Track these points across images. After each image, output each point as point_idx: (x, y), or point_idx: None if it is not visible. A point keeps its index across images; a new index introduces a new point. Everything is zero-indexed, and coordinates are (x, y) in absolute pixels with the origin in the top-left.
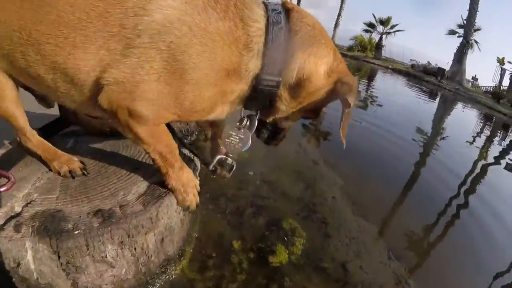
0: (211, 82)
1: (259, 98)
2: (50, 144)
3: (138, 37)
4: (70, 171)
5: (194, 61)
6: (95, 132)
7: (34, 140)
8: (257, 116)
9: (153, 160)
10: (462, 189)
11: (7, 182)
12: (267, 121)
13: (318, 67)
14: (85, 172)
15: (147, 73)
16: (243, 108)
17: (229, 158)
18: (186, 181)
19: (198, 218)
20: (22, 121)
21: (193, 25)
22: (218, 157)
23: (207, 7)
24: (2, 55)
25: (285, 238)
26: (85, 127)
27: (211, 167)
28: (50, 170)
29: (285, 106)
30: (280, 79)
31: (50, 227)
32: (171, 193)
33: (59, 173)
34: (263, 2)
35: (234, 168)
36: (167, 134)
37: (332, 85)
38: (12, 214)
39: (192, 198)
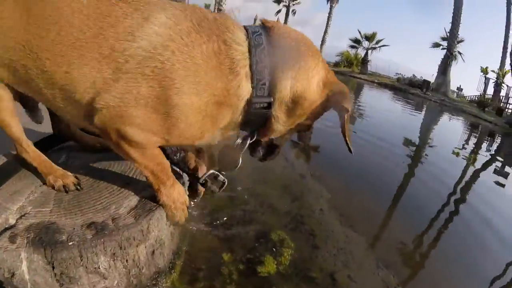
0: (196, 108)
1: (252, 121)
2: (46, 157)
3: (127, 62)
4: (64, 186)
5: (177, 86)
6: (87, 147)
7: (30, 151)
8: (250, 139)
9: (146, 177)
10: (452, 198)
11: None
12: (263, 140)
13: (310, 81)
14: (79, 187)
15: (135, 98)
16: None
17: (221, 175)
18: (176, 197)
19: (187, 232)
20: (17, 131)
21: (176, 50)
22: (211, 171)
23: (191, 31)
24: (4, 65)
25: (274, 249)
26: (78, 142)
27: (201, 180)
28: (45, 183)
29: (282, 126)
30: (271, 99)
31: (44, 238)
32: (161, 207)
33: (53, 187)
34: (244, 26)
35: (225, 186)
36: (159, 153)
37: (325, 96)
38: (7, 226)
39: (182, 214)
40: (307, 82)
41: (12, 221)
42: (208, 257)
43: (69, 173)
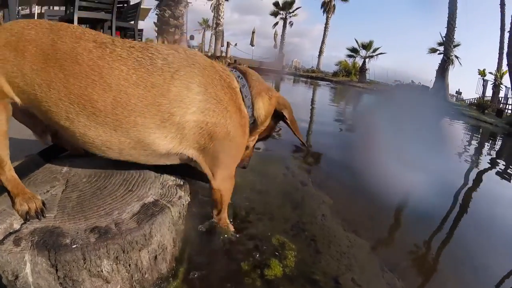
0: (240, 134)
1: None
2: (20, 181)
3: (187, 122)
4: (27, 212)
5: (223, 127)
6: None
7: (9, 175)
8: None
9: (218, 205)
10: (458, 200)
11: None
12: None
13: (269, 102)
14: (40, 216)
15: (207, 149)
16: None
17: None
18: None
19: (190, 239)
20: (4, 154)
21: (215, 108)
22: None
23: (217, 91)
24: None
25: (276, 253)
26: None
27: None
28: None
29: (259, 128)
30: (254, 118)
31: (49, 241)
32: (163, 212)
33: (18, 212)
34: (232, 72)
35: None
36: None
37: (273, 109)
38: (11, 231)
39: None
40: (268, 103)
41: (16, 226)
42: (211, 263)
43: (38, 197)
